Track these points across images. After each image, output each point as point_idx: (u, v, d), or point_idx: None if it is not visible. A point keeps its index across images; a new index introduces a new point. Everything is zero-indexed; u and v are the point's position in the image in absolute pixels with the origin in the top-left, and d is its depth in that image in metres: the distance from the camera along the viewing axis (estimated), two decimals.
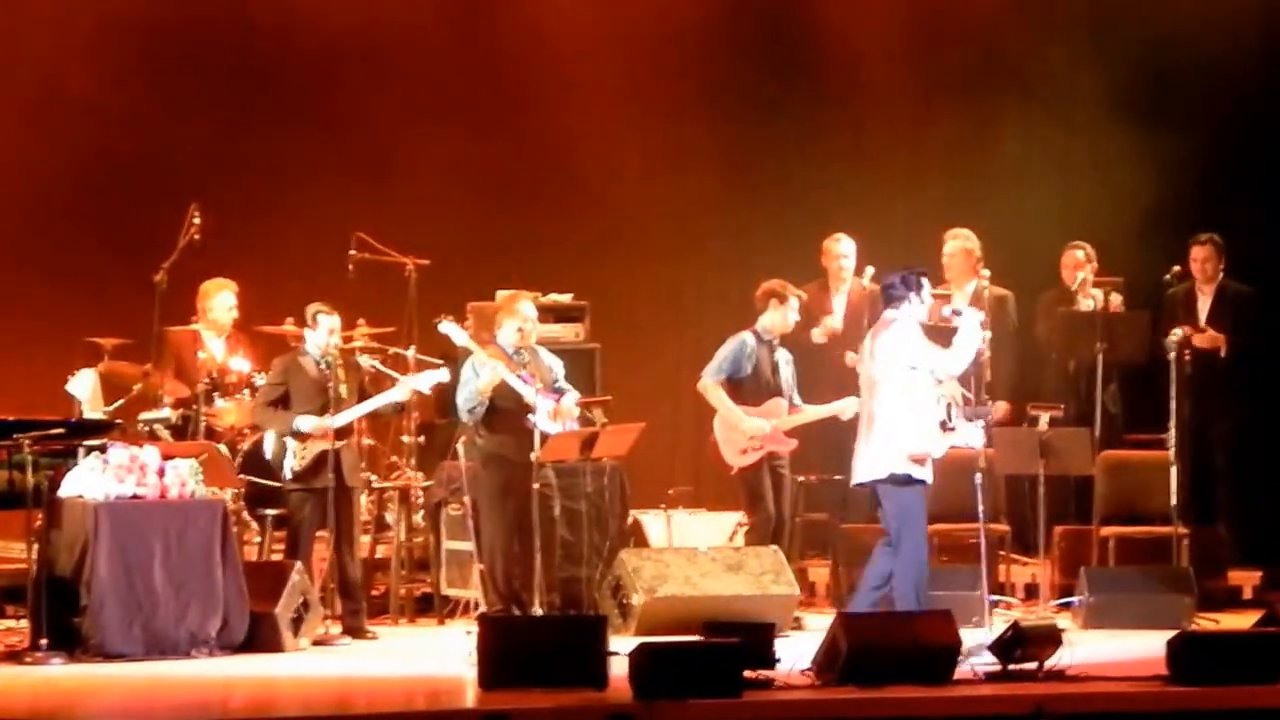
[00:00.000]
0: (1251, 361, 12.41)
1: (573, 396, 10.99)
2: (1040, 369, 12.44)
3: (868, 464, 10.07)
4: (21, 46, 12.77)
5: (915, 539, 9.93)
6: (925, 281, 10.15)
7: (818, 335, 12.24)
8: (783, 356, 11.48)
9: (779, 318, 11.36)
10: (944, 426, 9.90)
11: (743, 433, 11.31)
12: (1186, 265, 12.47)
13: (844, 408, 11.25)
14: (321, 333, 10.87)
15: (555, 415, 10.75)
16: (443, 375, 11.03)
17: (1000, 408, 10.92)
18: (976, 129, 13.39)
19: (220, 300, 12.00)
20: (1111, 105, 13.17)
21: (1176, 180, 12.93)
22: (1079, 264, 12.45)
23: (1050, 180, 13.32)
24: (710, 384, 11.42)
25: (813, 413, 11.41)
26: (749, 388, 11.39)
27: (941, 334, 10.69)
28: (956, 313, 10.29)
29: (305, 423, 10.73)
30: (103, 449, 10.20)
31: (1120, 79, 13.28)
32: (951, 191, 13.39)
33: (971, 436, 9.99)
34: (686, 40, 13.65)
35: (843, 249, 12.41)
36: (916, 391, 9.93)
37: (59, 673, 9.66)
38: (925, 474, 9.98)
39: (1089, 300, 12.39)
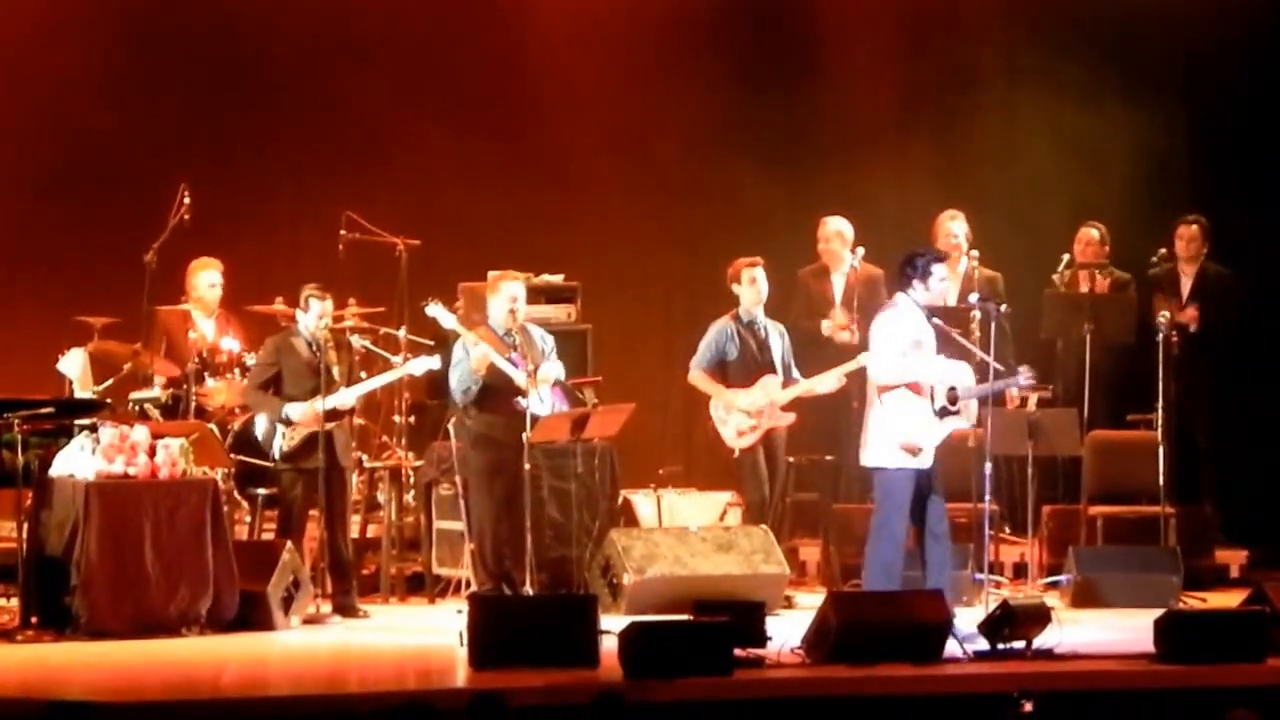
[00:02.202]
0: (1232, 342, 12.44)
1: (554, 367, 10.96)
2: (1030, 348, 12.44)
3: (864, 448, 10.03)
4: (5, 24, 12.74)
5: (893, 524, 9.88)
6: (936, 267, 9.93)
7: (827, 329, 12.23)
8: (774, 331, 11.49)
9: (747, 293, 11.40)
10: (942, 413, 9.82)
11: (740, 412, 11.32)
12: (1173, 247, 12.51)
13: (830, 380, 11.29)
14: (311, 316, 10.86)
15: (532, 381, 10.70)
16: (434, 363, 11.02)
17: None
18: (966, 111, 13.39)
19: (202, 279, 11.99)
20: (1101, 87, 13.17)
21: (1165, 162, 12.95)
22: (1091, 241, 12.48)
23: (1039, 161, 13.32)
24: (697, 374, 11.46)
25: (805, 385, 11.42)
26: (737, 369, 11.41)
27: (953, 315, 10.66)
28: (980, 306, 10.22)
29: (295, 411, 10.73)
30: (93, 428, 10.20)
31: (1110, 60, 13.29)
32: (942, 173, 13.39)
33: (971, 419, 9.91)
34: (678, 25, 13.62)
35: (830, 230, 12.40)
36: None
37: (49, 651, 9.66)
38: (915, 462, 9.84)
39: (1098, 282, 12.42)
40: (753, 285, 11.38)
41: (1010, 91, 13.49)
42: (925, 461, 9.84)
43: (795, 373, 11.49)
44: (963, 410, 9.88)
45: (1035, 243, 12.80)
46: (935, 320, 10.02)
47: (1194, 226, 12.46)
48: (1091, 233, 12.50)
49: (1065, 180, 13.24)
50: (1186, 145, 13.18)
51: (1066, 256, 12.49)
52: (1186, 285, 12.45)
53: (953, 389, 9.85)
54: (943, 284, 9.97)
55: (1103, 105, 13.08)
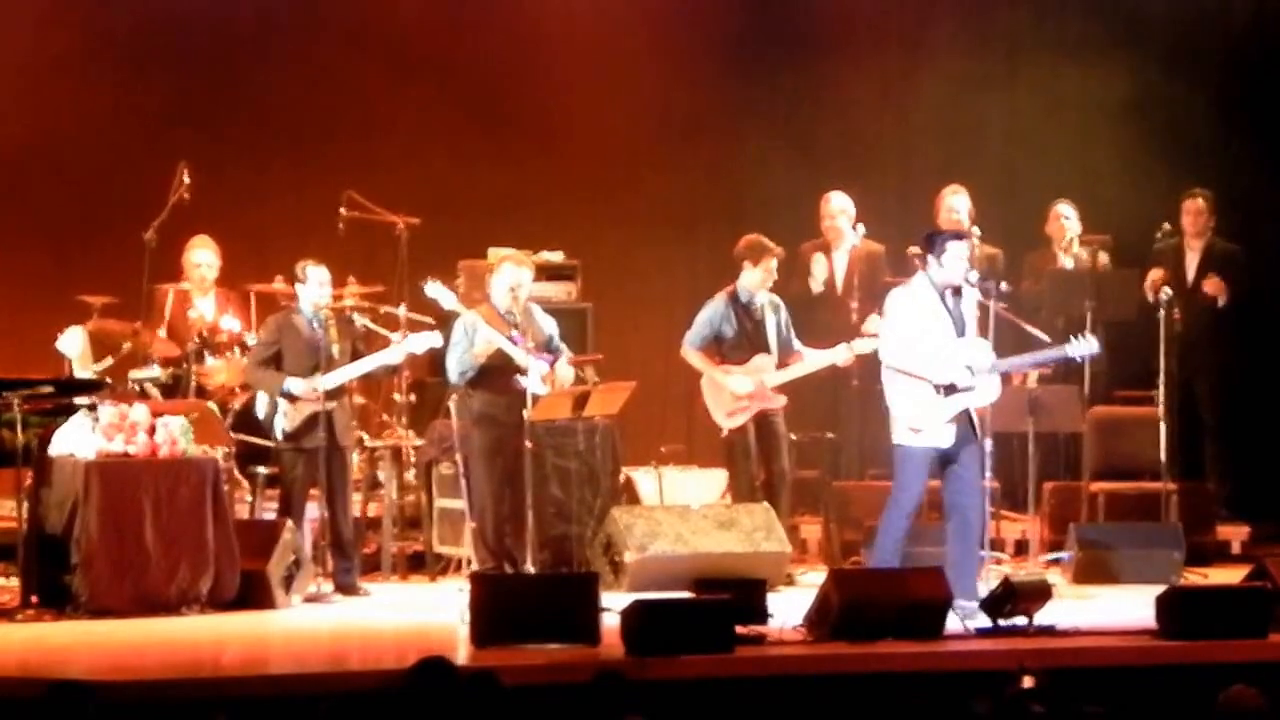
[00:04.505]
0: (1237, 317, 12.43)
1: (566, 357, 10.95)
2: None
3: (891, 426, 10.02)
4: (2, 4, 12.70)
5: (900, 500, 9.86)
6: (952, 244, 9.82)
7: (816, 286, 12.24)
8: (769, 307, 11.46)
9: (754, 278, 11.38)
10: (949, 390, 9.77)
11: (731, 393, 11.32)
12: (1176, 222, 12.48)
13: (837, 355, 11.27)
14: (313, 286, 10.84)
15: (546, 380, 10.72)
16: (436, 339, 11.00)
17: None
18: (967, 86, 13.35)
19: (190, 257, 11.97)
20: (1102, 59, 13.12)
21: (1168, 136, 12.91)
22: (1061, 218, 12.46)
23: (1040, 137, 13.29)
24: (689, 350, 11.47)
25: (812, 360, 11.40)
26: (731, 347, 11.41)
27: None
28: (980, 285, 10.21)
29: (296, 385, 10.71)
30: (93, 407, 10.18)
31: (1112, 32, 13.24)
32: (943, 149, 13.36)
33: (988, 395, 9.85)
34: (678, 1, 13.60)
35: (834, 207, 12.39)
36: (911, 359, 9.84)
37: (50, 630, 9.66)
38: (928, 440, 9.77)
39: (1070, 258, 12.41)
40: (767, 273, 11.34)
41: (1011, 67, 13.44)
42: (941, 440, 9.77)
43: (797, 344, 11.46)
44: (977, 386, 9.79)
45: (1035, 222, 12.76)
46: (1005, 311, 10.00)
47: (1199, 200, 12.42)
48: (1060, 209, 12.47)
49: (1067, 157, 13.20)
50: (1193, 119, 13.13)
51: (1069, 235, 12.45)
52: (1194, 260, 12.42)
53: (965, 366, 9.80)
54: (959, 262, 9.83)
55: (1106, 77, 13.02)
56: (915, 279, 10.00)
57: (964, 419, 9.81)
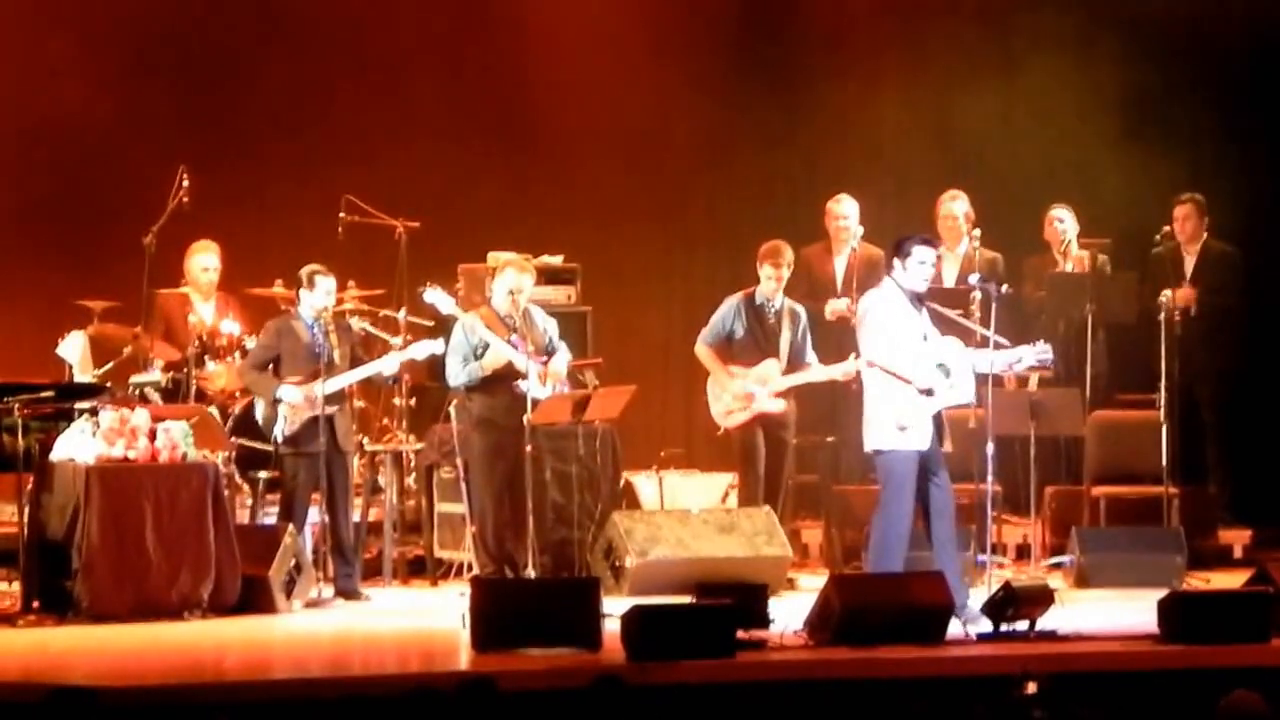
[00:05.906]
0: (1237, 320, 12.43)
1: (564, 356, 10.97)
2: (1028, 329, 12.43)
3: (865, 432, 9.97)
4: (0, 9, 12.71)
5: (895, 504, 9.83)
6: (917, 249, 9.72)
7: (830, 313, 12.21)
8: (787, 314, 11.45)
9: (762, 282, 11.39)
10: (929, 390, 9.76)
11: (730, 393, 11.34)
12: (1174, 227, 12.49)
13: (844, 369, 11.28)
14: (319, 294, 10.83)
15: (543, 378, 10.74)
16: (436, 347, 10.99)
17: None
18: (965, 90, 13.35)
19: (195, 261, 11.97)
20: (1102, 61, 13.13)
21: (1168, 137, 12.92)
22: (1056, 221, 12.46)
23: (1039, 140, 13.29)
24: (700, 347, 11.50)
25: (819, 371, 11.40)
26: (742, 349, 11.43)
27: (953, 296, 10.66)
28: (980, 286, 10.15)
29: (289, 393, 10.69)
30: (93, 412, 10.18)
31: (1111, 33, 13.24)
32: (942, 154, 13.36)
33: (966, 394, 9.84)
34: (677, 7, 13.60)
35: (843, 210, 12.37)
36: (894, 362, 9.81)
37: (51, 635, 9.65)
38: (913, 441, 9.77)
39: (1069, 262, 12.41)
40: (767, 279, 11.35)
41: (1008, 70, 13.43)
42: (922, 441, 9.77)
43: (810, 356, 11.45)
44: (956, 385, 9.79)
45: (1034, 225, 12.75)
46: (931, 304, 9.96)
47: (1188, 205, 12.43)
48: (1055, 212, 12.47)
49: (1066, 161, 13.20)
50: (1192, 122, 13.13)
51: (1066, 239, 12.45)
52: (1190, 265, 12.44)
53: (939, 365, 9.79)
54: (922, 267, 9.71)
55: (1105, 78, 13.02)
56: (884, 284, 9.90)
57: (935, 421, 9.81)
